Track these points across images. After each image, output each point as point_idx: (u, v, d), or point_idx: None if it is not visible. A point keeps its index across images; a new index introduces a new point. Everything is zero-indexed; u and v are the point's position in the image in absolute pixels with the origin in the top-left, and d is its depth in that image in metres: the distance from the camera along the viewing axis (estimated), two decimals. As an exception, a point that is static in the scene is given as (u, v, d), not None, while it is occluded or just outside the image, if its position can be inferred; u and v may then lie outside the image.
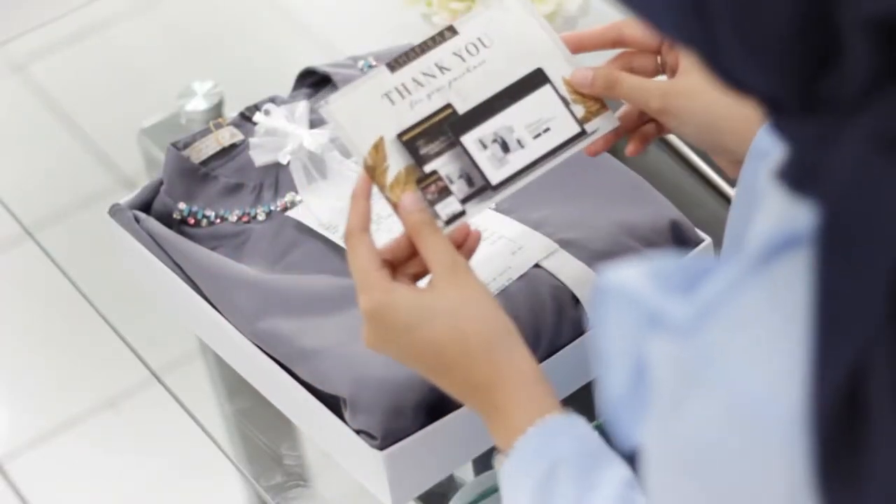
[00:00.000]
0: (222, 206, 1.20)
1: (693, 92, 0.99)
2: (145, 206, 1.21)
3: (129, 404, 2.02)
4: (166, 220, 1.19)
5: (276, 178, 1.21)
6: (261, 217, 1.19)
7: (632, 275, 0.65)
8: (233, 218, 1.19)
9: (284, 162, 1.19)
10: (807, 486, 0.60)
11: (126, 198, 1.21)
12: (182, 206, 1.20)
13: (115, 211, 1.20)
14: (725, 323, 0.62)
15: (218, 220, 1.19)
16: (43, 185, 2.20)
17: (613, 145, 1.07)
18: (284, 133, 1.19)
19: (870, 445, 0.58)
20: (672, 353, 0.63)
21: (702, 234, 1.14)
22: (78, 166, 2.17)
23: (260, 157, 1.19)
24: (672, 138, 1.30)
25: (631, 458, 0.83)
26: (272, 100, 1.27)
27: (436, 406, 1.04)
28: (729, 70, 0.62)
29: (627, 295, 0.65)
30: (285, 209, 1.18)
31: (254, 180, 1.21)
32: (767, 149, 0.85)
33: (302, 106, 1.21)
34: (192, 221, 1.19)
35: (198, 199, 1.20)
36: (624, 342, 0.66)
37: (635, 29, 1.03)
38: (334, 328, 1.08)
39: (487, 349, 0.91)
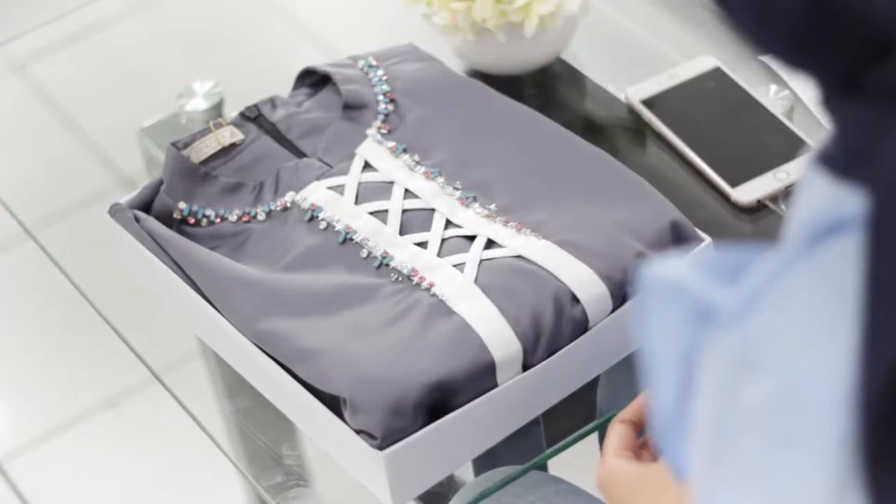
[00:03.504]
0: (222, 206, 1.20)
1: None
2: (145, 205, 1.21)
3: (129, 404, 2.02)
4: (166, 219, 1.19)
5: (277, 177, 1.21)
6: (261, 216, 1.19)
7: (676, 267, 0.65)
8: (233, 217, 1.19)
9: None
10: (854, 472, 0.60)
11: (126, 198, 1.21)
12: (182, 205, 1.20)
13: (115, 211, 1.20)
14: (774, 309, 0.62)
15: (218, 220, 1.19)
16: (43, 185, 2.20)
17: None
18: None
19: None
20: (724, 345, 0.63)
21: (702, 234, 1.14)
22: (78, 166, 2.17)
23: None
24: (672, 138, 1.30)
25: None
26: (272, 100, 1.27)
27: (436, 406, 1.04)
28: (782, 50, 0.62)
29: (674, 287, 0.65)
30: (285, 209, 1.18)
31: (254, 180, 1.21)
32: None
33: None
34: (192, 221, 1.19)
35: (198, 198, 1.20)
36: (672, 344, 0.65)
37: None
38: (334, 328, 1.08)
39: None
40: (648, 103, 1.32)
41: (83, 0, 2.45)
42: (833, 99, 0.61)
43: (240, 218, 1.19)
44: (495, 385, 1.05)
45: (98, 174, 2.18)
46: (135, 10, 2.47)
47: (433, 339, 1.05)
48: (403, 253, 1.13)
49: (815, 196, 0.62)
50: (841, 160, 0.61)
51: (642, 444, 1.00)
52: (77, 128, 2.21)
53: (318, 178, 1.20)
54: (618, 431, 1.00)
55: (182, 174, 1.21)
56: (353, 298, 1.10)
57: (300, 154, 1.23)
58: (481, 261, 1.11)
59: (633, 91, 1.33)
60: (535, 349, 1.06)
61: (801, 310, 0.61)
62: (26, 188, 2.15)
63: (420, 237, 1.14)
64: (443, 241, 1.14)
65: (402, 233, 1.15)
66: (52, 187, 2.18)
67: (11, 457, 1.95)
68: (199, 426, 1.27)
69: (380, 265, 1.13)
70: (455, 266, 1.11)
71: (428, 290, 1.10)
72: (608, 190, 1.15)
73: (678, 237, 1.12)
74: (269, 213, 1.19)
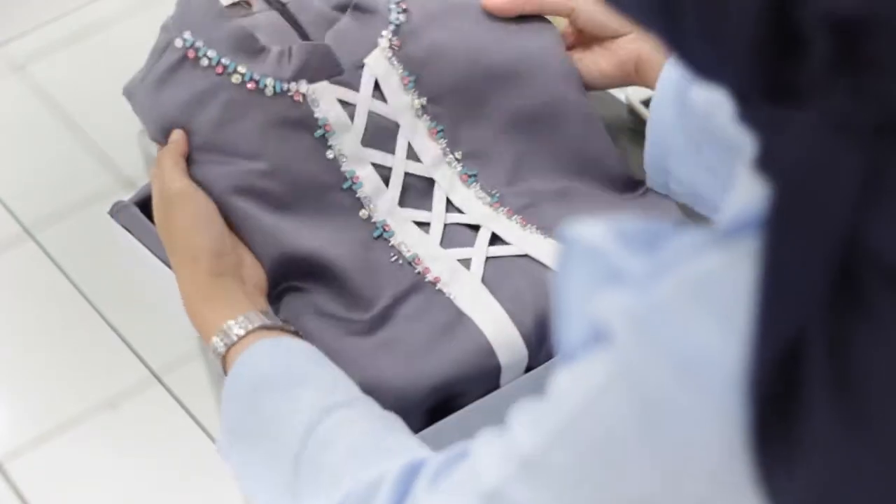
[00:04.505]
0: (228, 56, 1.11)
1: None
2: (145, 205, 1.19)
3: (129, 404, 2.02)
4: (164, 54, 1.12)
5: (290, 52, 1.12)
6: (269, 92, 1.11)
7: (597, 230, 0.68)
8: (236, 77, 1.10)
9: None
10: (743, 449, 0.63)
11: (126, 198, 1.20)
12: (187, 35, 1.12)
13: (116, 210, 1.18)
14: (680, 282, 0.64)
15: (219, 69, 1.11)
16: (43, 185, 2.20)
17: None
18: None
19: (803, 416, 0.61)
20: (626, 305, 0.66)
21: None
22: (78, 166, 2.17)
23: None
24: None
25: None
26: None
27: (436, 407, 1.04)
28: (695, 61, 0.64)
29: (591, 249, 0.68)
30: (297, 103, 1.11)
31: (264, 40, 1.13)
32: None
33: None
34: (191, 55, 1.11)
35: (204, 35, 1.12)
36: (582, 298, 0.69)
37: None
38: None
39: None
40: (648, 103, 1.32)
41: (83, 0, 2.45)
42: (749, 105, 0.64)
43: (244, 82, 1.10)
44: (498, 386, 1.05)
45: (98, 174, 2.18)
46: (135, 10, 2.47)
47: (442, 342, 1.04)
48: (402, 231, 1.10)
49: (744, 190, 0.65)
50: (756, 159, 0.63)
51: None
52: (77, 128, 2.21)
53: (329, 79, 1.13)
54: (181, 163, 1.09)
55: (199, 5, 1.13)
56: (357, 272, 1.08)
57: (307, 38, 1.16)
58: (487, 258, 1.10)
59: (634, 91, 1.33)
60: (539, 351, 1.06)
61: (707, 289, 0.64)
62: (26, 188, 2.15)
63: (419, 215, 1.11)
64: (445, 225, 1.12)
65: (401, 200, 1.12)
66: (52, 187, 2.18)
67: (11, 457, 1.95)
68: (199, 426, 1.27)
69: (379, 236, 1.10)
70: (460, 261, 1.10)
71: (434, 284, 1.08)
72: (618, 188, 1.14)
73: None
74: (277, 93, 1.11)
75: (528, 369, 1.06)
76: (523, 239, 1.11)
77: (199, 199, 1.07)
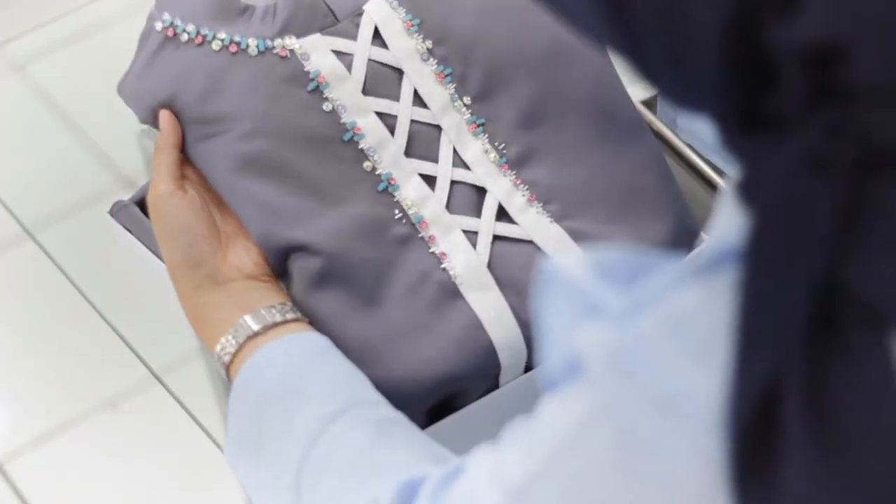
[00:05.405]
0: (206, 25, 1.07)
1: None
2: (144, 205, 1.18)
3: (129, 404, 2.02)
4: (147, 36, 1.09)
5: (275, 8, 1.09)
6: (252, 51, 1.07)
7: (575, 263, 0.68)
8: (216, 45, 1.07)
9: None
10: (722, 487, 0.62)
11: (125, 198, 1.20)
12: (165, 16, 1.08)
13: (116, 209, 1.18)
14: (658, 318, 0.64)
15: (198, 38, 1.07)
16: (43, 185, 2.20)
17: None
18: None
19: (781, 453, 0.60)
20: (603, 340, 0.65)
21: (702, 235, 1.13)
22: (78, 166, 2.17)
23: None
24: (672, 138, 1.30)
25: None
26: None
27: (436, 408, 1.04)
28: (665, 86, 0.63)
29: (568, 283, 0.68)
30: (283, 58, 1.08)
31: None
32: None
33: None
34: (171, 34, 1.08)
35: (181, 10, 1.08)
36: (563, 329, 0.68)
37: None
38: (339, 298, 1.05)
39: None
40: (648, 103, 1.32)
41: (83, 0, 2.45)
42: (731, 132, 0.62)
43: (225, 46, 1.07)
44: (496, 386, 1.05)
45: (98, 174, 2.18)
46: (135, 10, 2.47)
47: (443, 336, 1.02)
48: (408, 185, 1.06)
49: (726, 221, 0.64)
50: (739, 189, 0.62)
51: (183, 175, 1.06)
52: (77, 128, 2.21)
53: (321, 31, 1.10)
54: (171, 158, 1.06)
55: None
56: (359, 237, 1.04)
57: None
58: (494, 237, 1.06)
59: (633, 91, 1.33)
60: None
61: (685, 325, 0.63)
62: (26, 188, 2.15)
63: (425, 167, 1.07)
64: (452, 182, 1.07)
65: (407, 150, 1.08)
66: (52, 187, 2.18)
67: (11, 457, 1.95)
68: (199, 426, 1.27)
69: (384, 189, 1.06)
70: (466, 233, 1.06)
71: (438, 260, 1.05)
72: (624, 135, 1.11)
73: (685, 243, 1.09)
74: (261, 52, 1.07)
75: (528, 368, 1.06)
76: (529, 220, 1.07)
77: (171, 205, 1.04)
